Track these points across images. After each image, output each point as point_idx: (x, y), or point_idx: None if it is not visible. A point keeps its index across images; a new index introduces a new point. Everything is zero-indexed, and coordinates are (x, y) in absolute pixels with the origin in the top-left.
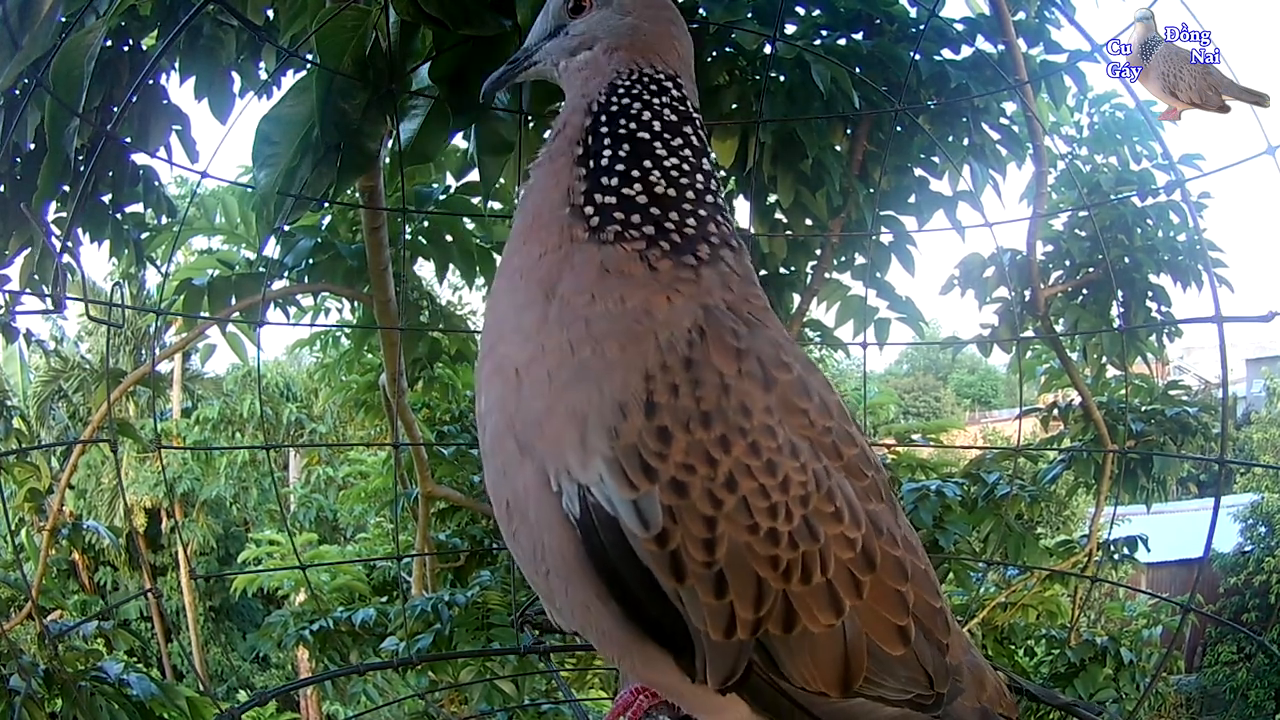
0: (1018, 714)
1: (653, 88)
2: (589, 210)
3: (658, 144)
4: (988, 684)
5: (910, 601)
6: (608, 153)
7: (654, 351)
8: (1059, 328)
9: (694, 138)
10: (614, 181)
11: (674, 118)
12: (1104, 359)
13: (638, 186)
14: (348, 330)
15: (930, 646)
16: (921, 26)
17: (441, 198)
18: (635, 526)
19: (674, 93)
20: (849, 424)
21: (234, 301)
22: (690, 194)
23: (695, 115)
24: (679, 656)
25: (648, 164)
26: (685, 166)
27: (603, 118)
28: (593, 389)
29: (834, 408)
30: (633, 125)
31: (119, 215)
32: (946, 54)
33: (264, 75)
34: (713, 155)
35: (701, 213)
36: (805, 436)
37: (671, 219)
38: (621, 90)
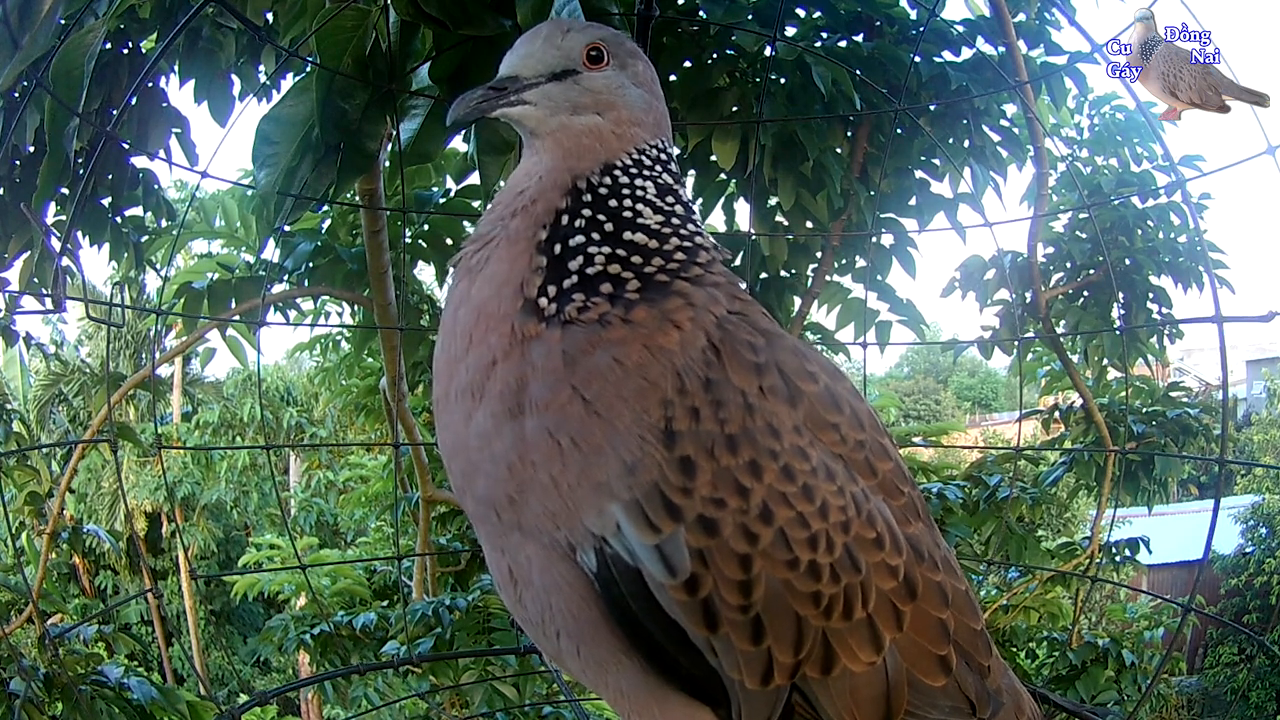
0: None
1: (655, 162)
2: (543, 302)
3: (648, 210)
4: (1025, 705)
5: (951, 628)
6: (579, 238)
7: (670, 376)
8: (1060, 329)
9: (683, 195)
10: (578, 263)
11: (669, 180)
12: (1105, 360)
13: (609, 259)
14: (348, 334)
15: (972, 673)
16: (922, 28)
17: (441, 200)
18: (660, 574)
19: (672, 166)
20: (881, 435)
21: (234, 304)
22: (674, 239)
23: (682, 180)
24: (713, 709)
25: (629, 234)
26: (674, 220)
27: (587, 197)
28: (601, 439)
29: (865, 418)
30: (625, 201)
31: (119, 219)
32: (947, 56)
33: (264, 78)
34: (696, 215)
35: (688, 244)
36: (838, 455)
37: (654, 263)
38: (619, 169)
